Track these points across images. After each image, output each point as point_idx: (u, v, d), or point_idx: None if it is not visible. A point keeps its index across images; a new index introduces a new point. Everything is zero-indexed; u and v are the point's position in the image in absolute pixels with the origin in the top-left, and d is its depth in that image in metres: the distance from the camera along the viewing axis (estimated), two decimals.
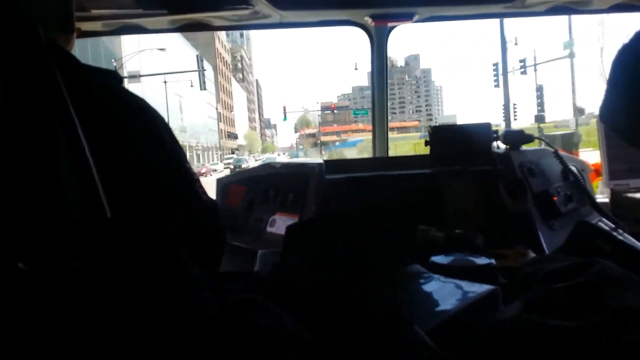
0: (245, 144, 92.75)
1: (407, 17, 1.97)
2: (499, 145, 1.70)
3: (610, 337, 0.64)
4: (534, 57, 28.37)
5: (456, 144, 1.64)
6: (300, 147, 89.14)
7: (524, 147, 1.70)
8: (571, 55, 23.50)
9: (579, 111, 27.81)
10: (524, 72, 28.00)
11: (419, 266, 0.94)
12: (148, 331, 0.52)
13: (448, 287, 0.84)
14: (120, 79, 0.69)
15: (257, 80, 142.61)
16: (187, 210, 0.69)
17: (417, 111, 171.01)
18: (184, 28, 1.97)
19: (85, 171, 0.50)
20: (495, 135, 1.66)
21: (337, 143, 65.40)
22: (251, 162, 46.11)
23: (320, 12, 1.93)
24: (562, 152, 1.71)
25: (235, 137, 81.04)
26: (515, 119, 30.41)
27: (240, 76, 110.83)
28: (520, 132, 1.70)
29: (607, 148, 1.94)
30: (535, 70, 28.07)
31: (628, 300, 0.71)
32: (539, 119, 26.17)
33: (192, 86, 38.20)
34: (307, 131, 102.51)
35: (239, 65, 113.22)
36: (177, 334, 0.53)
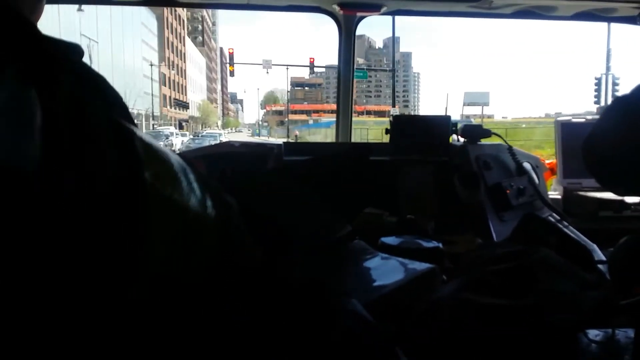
0: (198, 116, 79.23)
1: (375, 8, 1.99)
2: (458, 139, 1.73)
3: (538, 316, 0.66)
4: None
5: (416, 134, 1.66)
6: (265, 124, 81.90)
7: (482, 142, 1.73)
8: None
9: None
10: None
11: (363, 243, 0.95)
12: None
13: (390, 264, 0.86)
14: (81, 53, 0.67)
15: (221, 49, 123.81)
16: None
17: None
18: (150, 2, 1.94)
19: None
20: (454, 128, 1.69)
21: (311, 122, 61.56)
22: (181, 140, 33.43)
23: None
24: (517, 149, 1.75)
25: (185, 106, 67.99)
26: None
27: (200, 39, 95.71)
28: (478, 127, 1.74)
29: (562, 148, 2.00)
30: None
31: (559, 285, 0.74)
32: None
33: (80, 9, 29.09)
34: (274, 108, 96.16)
35: (200, 27, 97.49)
36: None
